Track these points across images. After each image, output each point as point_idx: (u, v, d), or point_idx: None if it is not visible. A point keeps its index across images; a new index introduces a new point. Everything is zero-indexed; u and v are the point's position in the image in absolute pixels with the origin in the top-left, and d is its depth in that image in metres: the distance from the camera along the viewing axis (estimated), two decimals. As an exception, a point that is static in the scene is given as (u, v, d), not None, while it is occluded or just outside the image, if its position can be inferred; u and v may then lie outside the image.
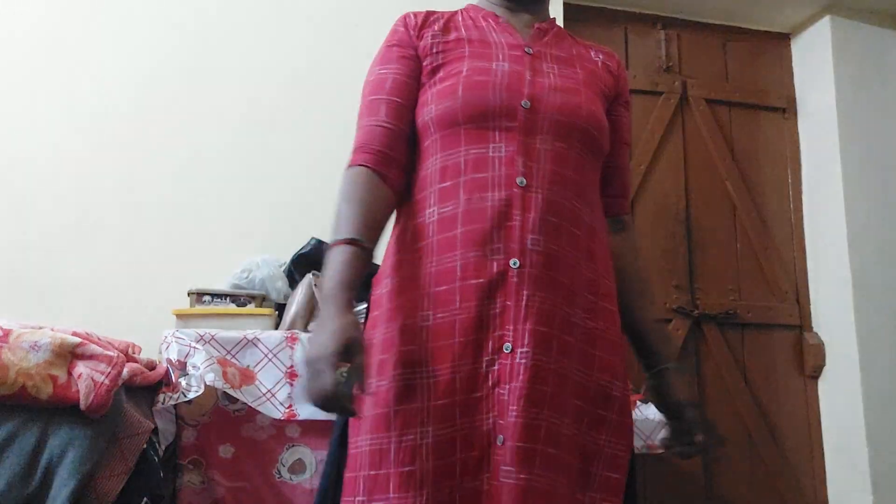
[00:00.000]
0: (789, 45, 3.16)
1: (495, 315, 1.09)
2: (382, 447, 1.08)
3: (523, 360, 1.06)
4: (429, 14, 1.33)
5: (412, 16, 1.32)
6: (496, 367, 1.08)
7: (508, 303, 1.09)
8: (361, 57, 2.44)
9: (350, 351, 1.01)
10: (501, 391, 1.07)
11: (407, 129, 1.23)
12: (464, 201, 1.14)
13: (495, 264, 1.10)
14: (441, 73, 1.23)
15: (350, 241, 1.11)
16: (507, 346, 1.08)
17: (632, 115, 1.42)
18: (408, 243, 1.19)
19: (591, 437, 1.12)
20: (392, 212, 1.23)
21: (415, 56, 1.27)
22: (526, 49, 1.25)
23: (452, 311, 1.10)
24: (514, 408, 1.05)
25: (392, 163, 1.21)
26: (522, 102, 1.17)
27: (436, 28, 1.29)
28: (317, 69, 2.49)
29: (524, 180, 1.13)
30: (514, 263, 1.10)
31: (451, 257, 1.12)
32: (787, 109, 3.09)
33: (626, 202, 1.38)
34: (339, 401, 0.98)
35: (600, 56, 1.34)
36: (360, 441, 1.11)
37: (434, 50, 1.26)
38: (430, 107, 1.21)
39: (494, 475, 1.04)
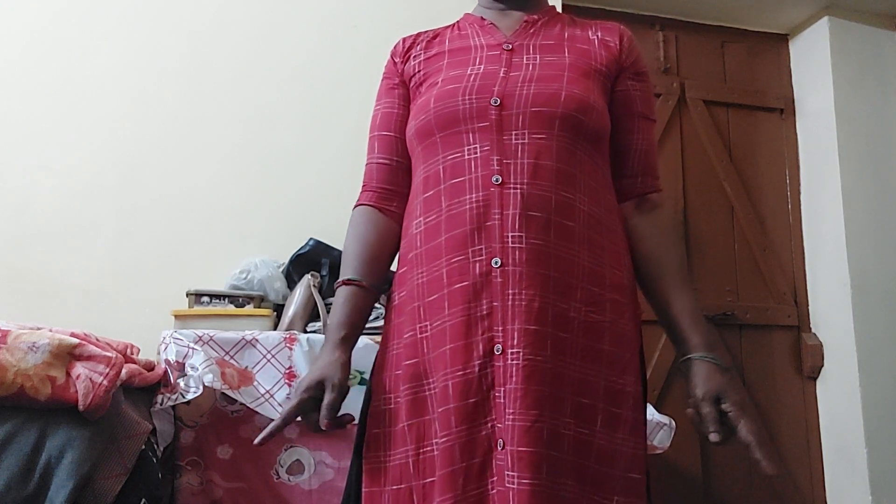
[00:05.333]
0: (787, 45, 3.17)
1: (483, 317, 1.07)
2: (402, 461, 1.10)
3: (515, 361, 1.04)
4: (418, 35, 1.35)
5: (400, 42, 1.35)
6: (489, 370, 1.06)
7: (495, 303, 1.07)
8: (361, 58, 2.48)
9: (322, 387, 1.12)
10: (497, 394, 1.05)
11: (403, 159, 1.28)
12: (445, 208, 1.14)
13: (478, 265, 1.09)
14: (422, 89, 1.26)
15: (348, 282, 1.22)
16: (498, 347, 1.06)
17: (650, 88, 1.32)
18: (404, 256, 1.21)
19: (606, 437, 1.08)
20: (398, 241, 1.26)
21: (401, 83, 1.31)
22: (504, 46, 1.25)
23: (443, 319, 1.10)
24: (511, 411, 1.03)
25: (392, 195, 1.27)
26: (492, 100, 1.16)
27: (418, 48, 1.32)
28: (316, 70, 2.50)
29: (499, 178, 1.12)
30: (496, 262, 1.08)
31: (438, 265, 1.12)
32: (785, 110, 3.09)
33: (651, 180, 1.28)
34: (279, 426, 1.10)
35: (598, 33, 1.29)
36: (382, 456, 1.13)
37: (416, 70, 1.29)
38: (411, 123, 1.24)
39: (499, 481, 1.02)
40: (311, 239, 2.15)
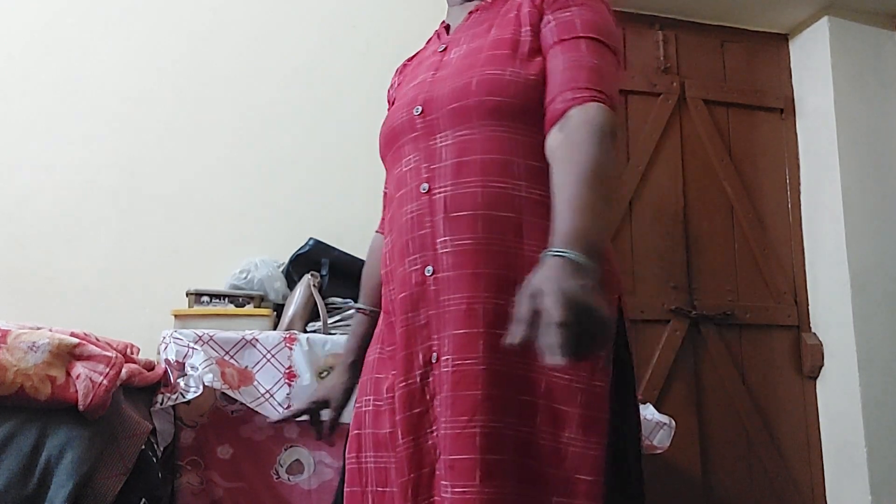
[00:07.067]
0: (787, 45, 3.16)
1: (421, 326, 1.08)
2: (385, 465, 1.11)
3: (447, 368, 1.03)
4: (410, 59, 1.37)
5: (401, 66, 1.39)
6: (430, 380, 1.06)
7: (431, 312, 1.07)
8: (360, 58, 2.48)
9: (326, 405, 1.34)
10: (436, 403, 1.04)
11: None
12: (395, 222, 1.16)
13: (413, 276, 1.10)
14: None
15: (358, 310, 1.37)
16: (434, 356, 1.06)
17: (588, 11, 1.13)
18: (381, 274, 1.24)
19: (549, 436, 1.02)
20: None
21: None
22: (439, 48, 1.24)
23: (398, 331, 1.12)
24: (444, 419, 1.02)
25: None
26: (414, 110, 1.16)
27: (400, 73, 1.36)
28: (316, 70, 2.50)
29: (427, 185, 1.11)
30: (429, 271, 1.08)
31: (395, 278, 1.15)
32: (784, 110, 3.09)
33: (571, 93, 1.05)
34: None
35: None
36: (362, 457, 1.16)
37: (394, 96, 1.34)
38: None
39: (437, 490, 1.02)
40: (311, 239, 2.15)
